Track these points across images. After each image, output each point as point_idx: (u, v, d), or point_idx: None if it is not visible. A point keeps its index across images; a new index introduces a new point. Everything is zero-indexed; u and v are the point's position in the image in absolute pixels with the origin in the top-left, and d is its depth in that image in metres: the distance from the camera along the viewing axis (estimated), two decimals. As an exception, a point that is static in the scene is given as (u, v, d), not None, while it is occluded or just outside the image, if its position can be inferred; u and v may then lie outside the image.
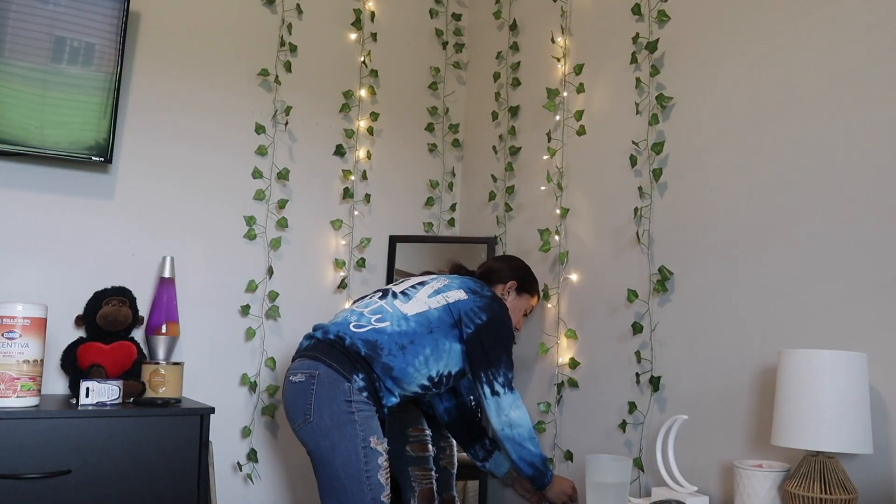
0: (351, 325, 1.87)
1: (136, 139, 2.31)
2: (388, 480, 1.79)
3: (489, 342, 1.90)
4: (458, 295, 1.96)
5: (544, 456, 1.95)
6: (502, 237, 2.63)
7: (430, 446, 2.24)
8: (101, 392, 1.87)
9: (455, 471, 2.32)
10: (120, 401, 1.90)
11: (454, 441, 2.29)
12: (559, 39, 2.46)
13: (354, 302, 2.05)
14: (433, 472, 2.22)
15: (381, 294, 2.00)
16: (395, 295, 1.97)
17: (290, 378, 1.83)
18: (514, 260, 2.22)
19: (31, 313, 1.77)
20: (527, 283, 2.17)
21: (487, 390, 1.89)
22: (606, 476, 1.67)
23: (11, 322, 1.74)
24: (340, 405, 1.75)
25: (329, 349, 1.82)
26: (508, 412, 1.88)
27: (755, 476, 1.52)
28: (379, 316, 1.90)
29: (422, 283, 2.01)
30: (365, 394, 1.79)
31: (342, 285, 2.61)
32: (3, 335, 1.73)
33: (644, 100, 2.10)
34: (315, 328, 1.92)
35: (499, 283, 2.15)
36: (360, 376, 1.80)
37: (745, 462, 1.59)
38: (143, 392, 2.02)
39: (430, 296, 1.96)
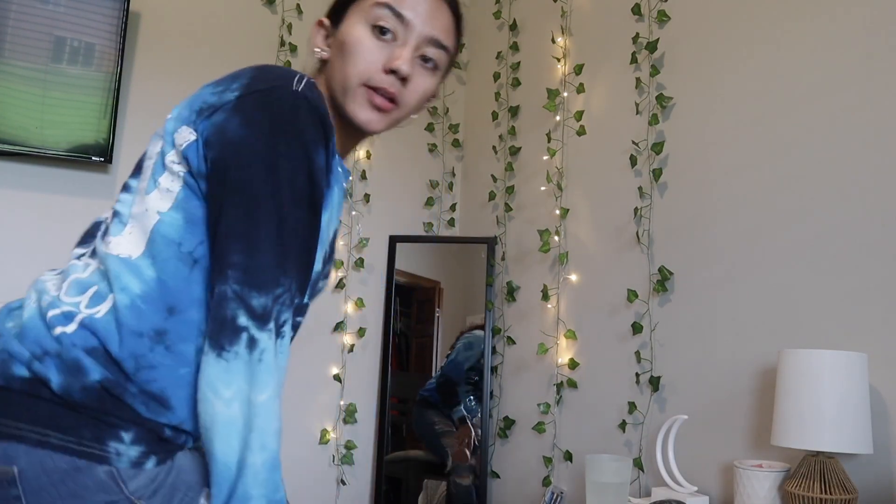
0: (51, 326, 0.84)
1: (137, 139, 2.31)
2: None
3: (249, 184, 0.82)
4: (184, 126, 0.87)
5: None
6: (502, 237, 2.63)
7: None
8: (100, 392, 1.87)
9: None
10: (120, 401, 1.89)
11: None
12: (559, 39, 2.46)
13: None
14: None
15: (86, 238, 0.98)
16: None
17: None
18: None
19: (31, 313, 1.77)
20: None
21: (240, 318, 0.81)
22: (606, 476, 1.67)
23: (11, 322, 1.74)
24: None
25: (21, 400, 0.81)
26: (262, 386, 0.81)
27: (755, 476, 1.52)
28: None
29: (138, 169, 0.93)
30: (150, 463, 0.85)
31: (340, 285, 2.61)
32: (2, 335, 1.73)
33: (644, 100, 2.10)
34: None
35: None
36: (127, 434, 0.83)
37: (745, 462, 1.59)
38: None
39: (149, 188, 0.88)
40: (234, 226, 0.82)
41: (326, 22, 1.01)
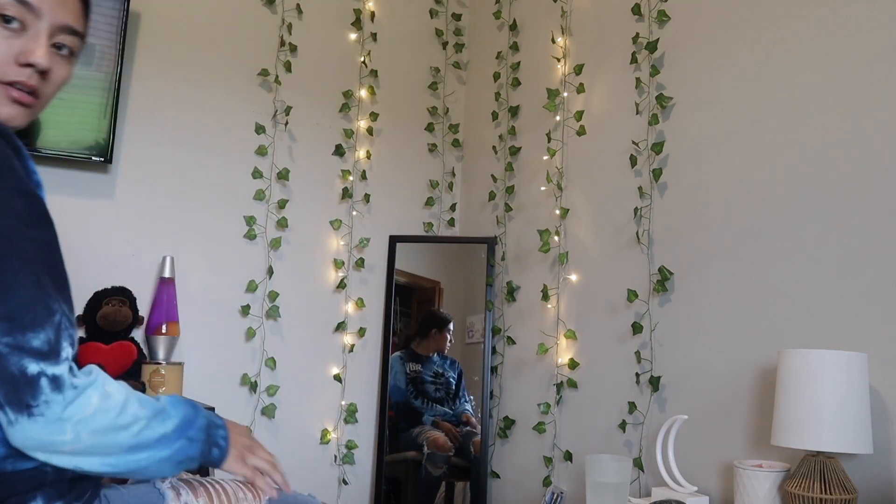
0: None
1: (136, 139, 2.31)
2: None
3: None
4: None
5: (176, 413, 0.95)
6: (502, 237, 2.63)
7: None
8: (101, 392, 1.87)
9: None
10: (120, 401, 1.89)
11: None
12: (559, 39, 2.46)
13: None
14: None
15: None
16: None
17: None
18: None
19: (31, 313, 1.77)
20: None
21: (29, 368, 0.76)
22: (606, 476, 1.67)
23: (11, 322, 1.74)
24: None
25: None
26: (91, 407, 0.80)
27: (755, 476, 1.52)
28: None
29: None
30: None
31: (341, 285, 2.61)
32: (3, 335, 1.73)
33: (644, 100, 2.10)
34: None
35: None
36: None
37: (745, 462, 1.59)
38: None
39: None
40: None
41: None
